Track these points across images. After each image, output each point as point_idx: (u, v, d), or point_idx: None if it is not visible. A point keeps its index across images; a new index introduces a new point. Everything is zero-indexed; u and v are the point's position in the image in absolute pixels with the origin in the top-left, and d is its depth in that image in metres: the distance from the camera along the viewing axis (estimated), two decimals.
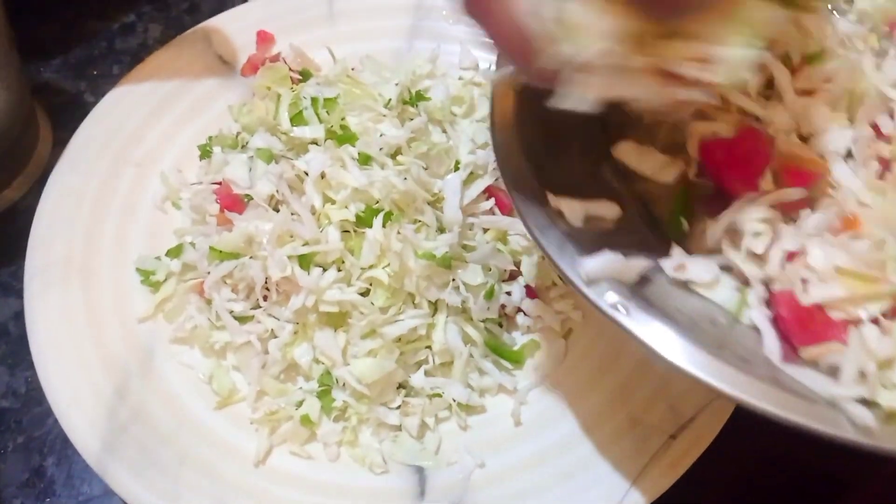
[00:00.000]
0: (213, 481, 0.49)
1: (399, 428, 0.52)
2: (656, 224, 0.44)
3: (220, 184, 0.57)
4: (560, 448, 0.51)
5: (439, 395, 0.52)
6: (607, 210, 0.42)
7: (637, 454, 0.49)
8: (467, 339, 0.53)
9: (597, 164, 0.45)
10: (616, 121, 0.45)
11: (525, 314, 0.55)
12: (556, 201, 0.41)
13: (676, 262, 0.41)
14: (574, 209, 0.41)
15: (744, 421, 0.47)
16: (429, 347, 0.53)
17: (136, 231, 0.59)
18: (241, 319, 0.54)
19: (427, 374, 0.52)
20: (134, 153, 0.62)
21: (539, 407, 0.53)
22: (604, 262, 0.38)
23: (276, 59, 0.66)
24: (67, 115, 0.68)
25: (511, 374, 0.54)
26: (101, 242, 0.58)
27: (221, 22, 0.68)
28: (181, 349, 0.55)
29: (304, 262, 0.51)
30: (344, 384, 0.51)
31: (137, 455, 0.49)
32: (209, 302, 0.54)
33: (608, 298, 0.38)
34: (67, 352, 0.53)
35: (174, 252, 0.56)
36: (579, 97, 0.34)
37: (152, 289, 0.56)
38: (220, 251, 0.53)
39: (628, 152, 0.45)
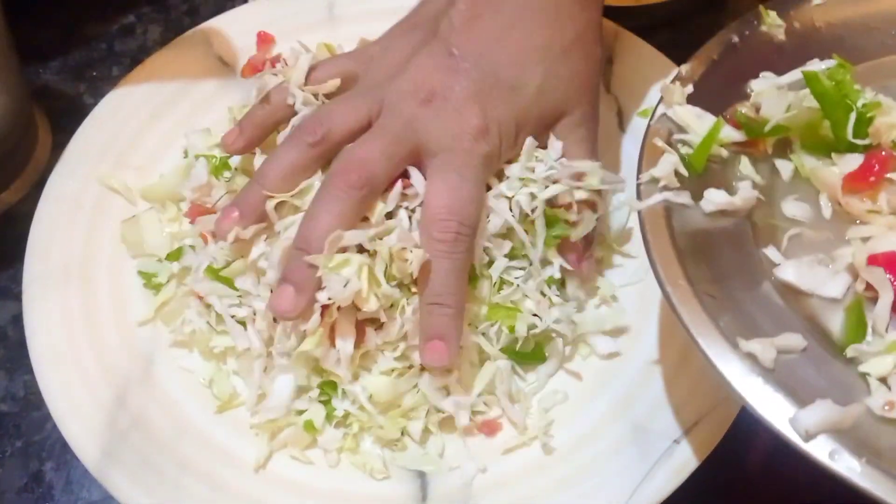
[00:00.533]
0: (213, 488, 0.49)
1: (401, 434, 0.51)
2: (831, 343, 0.42)
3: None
4: (563, 454, 0.50)
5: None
6: (793, 342, 0.41)
7: (641, 459, 0.49)
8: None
9: (758, 285, 0.44)
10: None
11: None
12: (746, 345, 0.39)
13: (884, 401, 0.39)
14: (766, 350, 0.39)
15: (747, 425, 0.47)
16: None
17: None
18: (243, 322, 0.53)
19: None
20: (133, 156, 0.61)
21: (542, 413, 0.52)
22: (822, 414, 0.36)
23: (276, 60, 0.65)
24: (66, 117, 0.67)
25: (524, 379, 0.54)
26: (101, 247, 0.57)
27: (222, 23, 0.68)
28: (181, 353, 0.55)
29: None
30: (346, 394, 0.51)
31: (137, 461, 0.49)
32: (209, 306, 0.54)
33: (825, 447, 0.36)
34: (66, 357, 0.52)
35: (174, 255, 0.56)
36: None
37: (154, 291, 0.56)
38: (220, 275, 0.52)
39: (789, 269, 0.44)
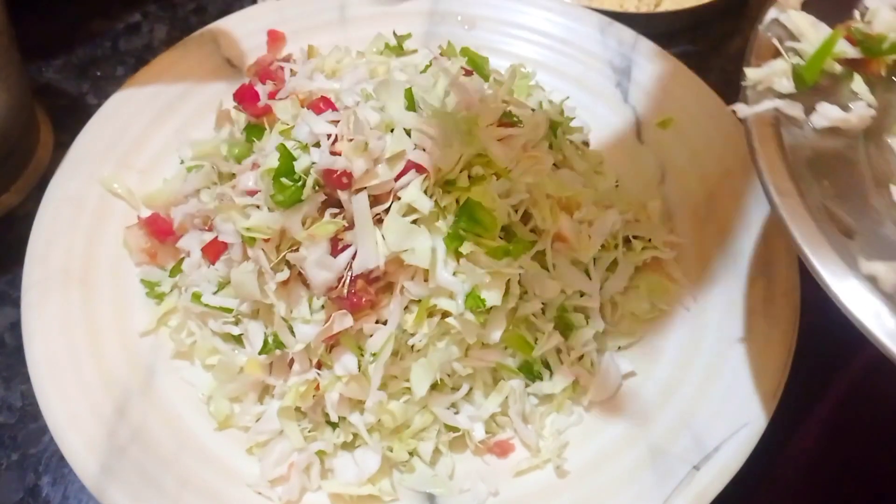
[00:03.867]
0: None
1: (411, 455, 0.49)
2: None
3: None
4: (577, 477, 0.49)
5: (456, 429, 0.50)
6: None
7: (659, 485, 0.47)
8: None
9: (877, 213, 0.41)
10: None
11: None
12: (868, 266, 0.37)
13: None
14: (888, 273, 0.37)
15: (769, 453, 0.45)
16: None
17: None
18: (239, 339, 0.52)
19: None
20: (137, 159, 0.60)
21: (556, 434, 0.51)
22: None
23: (286, 60, 0.64)
24: (69, 117, 0.66)
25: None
26: (102, 252, 0.56)
27: (230, 24, 0.66)
28: (182, 364, 0.53)
29: None
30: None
31: (137, 478, 0.47)
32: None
33: None
34: (65, 368, 0.51)
35: (175, 270, 0.54)
36: None
37: (157, 300, 0.54)
38: (202, 301, 0.51)
39: None
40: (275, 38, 0.66)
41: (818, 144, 0.42)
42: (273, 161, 0.47)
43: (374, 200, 0.47)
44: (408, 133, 0.48)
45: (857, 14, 0.47)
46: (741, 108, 0.42)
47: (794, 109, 0.42)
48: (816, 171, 0.41)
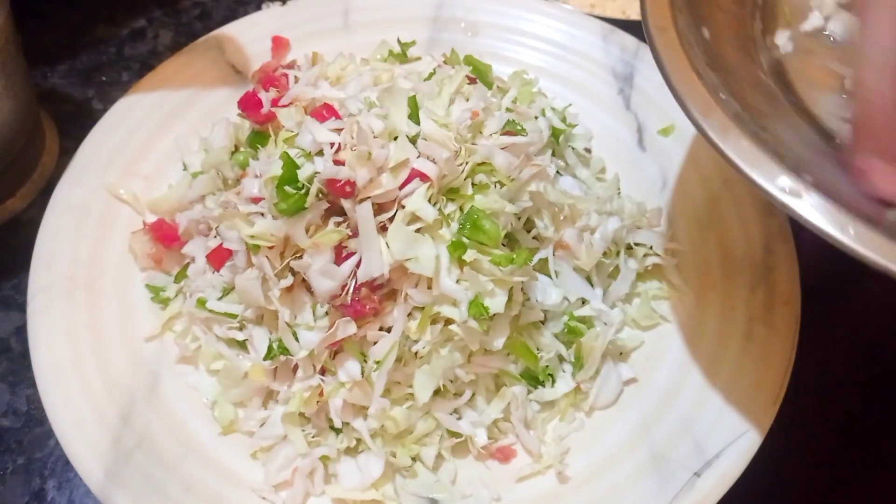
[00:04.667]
0: None
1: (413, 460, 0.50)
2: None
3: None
4: (579, 483, 0.49)
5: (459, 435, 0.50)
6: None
7: (660, 491, 0.48)
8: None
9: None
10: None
11: None
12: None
13: None
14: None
15: (769, 461, 0.46)
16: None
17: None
18: (243, 345, 0.52)
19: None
20: (143, 165, 0.60)
21: (558, 440, 0.51)
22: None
23: (290, 66, 0.64)
24: (74, 122, 0.66)
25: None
26: (108, 258, 0.56)
27: (235, 30, 0.67)
28: (187, 369, 0.53)
29: None
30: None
31: (142, 483, 0.47)
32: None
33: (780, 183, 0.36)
34: (71, 372, 0.51)
35: (180, 275, 0.55)
36: None
37: (162, 306, 0.55)
38: (207, 307, 0.52)
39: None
40: (279, 45, 0.66)
41: None
42: (277, 169, 0.47)
43: (379, 209, 0.47)
44: (412, 141, 0.48)
45: None
46: None
47: None
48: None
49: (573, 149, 0.60)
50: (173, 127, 0.62)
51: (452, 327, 0.48)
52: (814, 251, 0.55)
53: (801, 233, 0.55)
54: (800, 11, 0.47)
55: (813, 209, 0.35)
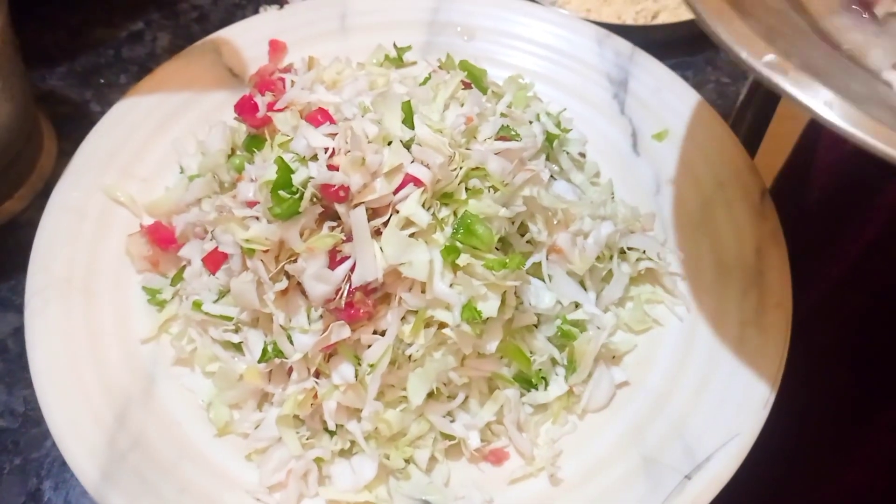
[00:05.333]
0: None
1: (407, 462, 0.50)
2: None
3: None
4: (571, 485, 0.50)
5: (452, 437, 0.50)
6: None
7: (651, 494, 0.48)
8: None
9: None
10: None
11: None
12: None
13: None
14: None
15: (759, 464, 0.46)
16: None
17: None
18: (238, 347, 0.52)
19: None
20: (140, 167, 0.60)
21: (550, 443, 0.51)
22: None
23: (287, 70, 0.64)
24: (72, 124, 0.66)
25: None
26: (105, 260, 0.56)
27: (232, 33, 0.67)
28: (183, 371, 0.54)
29: None
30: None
31: (137, 484, 0.48)
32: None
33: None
34: (67, 375, 0.51)
35: (177, 278, 0.55)
36: None
37: (158, 308, 0.55)
38: (203, 310, 0.52)
39: None
40: (276, 48, 0.67)
41: None
42: (271, 173, 0.48)
43: (373, 213, 0.47)
44: (406, 146, 0.49)
45: None
46: None
47: None
48: None
49: (567, 153, 0.60)
50: (170, 129, 0.62)
51: (446, 331, 0.48)
52: (809, 251, 0.56)
53: (797, 235, 0.55)
54: None
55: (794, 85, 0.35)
